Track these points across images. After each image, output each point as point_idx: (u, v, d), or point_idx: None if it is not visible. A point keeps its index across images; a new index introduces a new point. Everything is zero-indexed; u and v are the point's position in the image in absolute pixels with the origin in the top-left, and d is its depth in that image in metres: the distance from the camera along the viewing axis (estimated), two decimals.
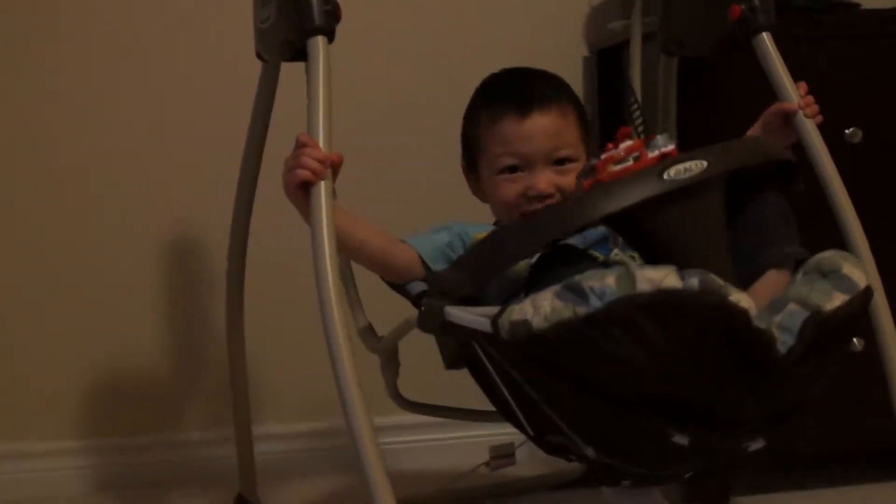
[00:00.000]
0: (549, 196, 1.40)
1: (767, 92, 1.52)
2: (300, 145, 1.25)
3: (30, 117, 2.12)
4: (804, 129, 1.49)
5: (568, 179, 1.40)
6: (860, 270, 1.19)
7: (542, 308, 1.08)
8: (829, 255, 1.21)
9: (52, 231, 2.14)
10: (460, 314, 1.18)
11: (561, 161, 1.41)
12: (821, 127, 1.52)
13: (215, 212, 1.91)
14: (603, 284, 1.05)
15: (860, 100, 1.84)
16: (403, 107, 2.16)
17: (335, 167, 1.26)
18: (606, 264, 1.26)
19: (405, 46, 2.17)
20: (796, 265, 1.24)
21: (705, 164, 1.14)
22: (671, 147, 1.19)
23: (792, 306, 1.11)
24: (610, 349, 1.05)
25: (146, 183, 2.15)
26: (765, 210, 1.27)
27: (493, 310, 1.14)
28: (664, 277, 1.04)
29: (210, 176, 2.10)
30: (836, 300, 1.13)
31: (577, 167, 1.40)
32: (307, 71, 1.30)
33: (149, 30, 2.12)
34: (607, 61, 2.15)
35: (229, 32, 1.91)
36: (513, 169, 1.41)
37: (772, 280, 1.22)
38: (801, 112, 1.48)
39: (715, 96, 1.74)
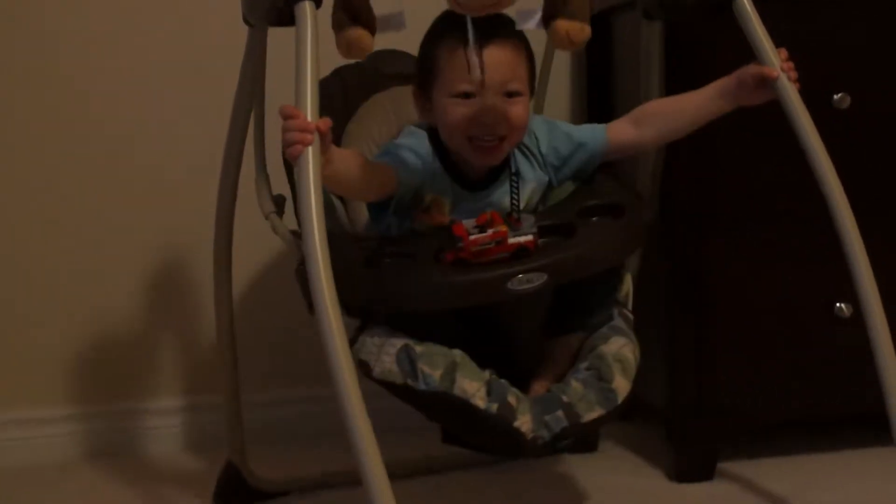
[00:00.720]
0: (496, 123, 1.47)
1: (750, 55, 1.52)
2: (284, 117, 1.25)
3: (21, 86, 2.12)
4: (786, 94, 1.49)
5: (515, 110, 1.49)
6: (627, 382, 1.45)
7: (383, 362, 1.39)
8: (610, 359, 1.46)
9: (39, 200, 2.14)
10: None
11: (510, 94, 1.48)
12: (808, 92, 1.52)
13: (204, 177, 1.91)
14: (431, 373, 1.36)
15: (849, 64, 1.84)
16: None
17: (323, 134, 1.25)
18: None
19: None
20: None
21: (545, 277, 1.38)
22: (530, 237, 1.39)
23: (559, 413, 1.38)
24: (423, 411, 1.41)
25: (133, 151, 2.15)
26: (588, 283, 1.47)
27: (353, 329, 1.42)
28: (475, 392, 1.36)
29: (198, 141, 2.10)
30: (595, 413, 1.41)
31: (523, 100, 1.50)
32: (295, 36, 1.30)
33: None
34: (595, 25, 2.13)
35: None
36: (467, 95, 1.47)
37: (574, 340, 1.52)
38: (782, 76, 1.49)
39: (702, 64, 1.74)
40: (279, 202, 1.63)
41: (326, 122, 1.26)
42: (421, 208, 1.53)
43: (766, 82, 1.50)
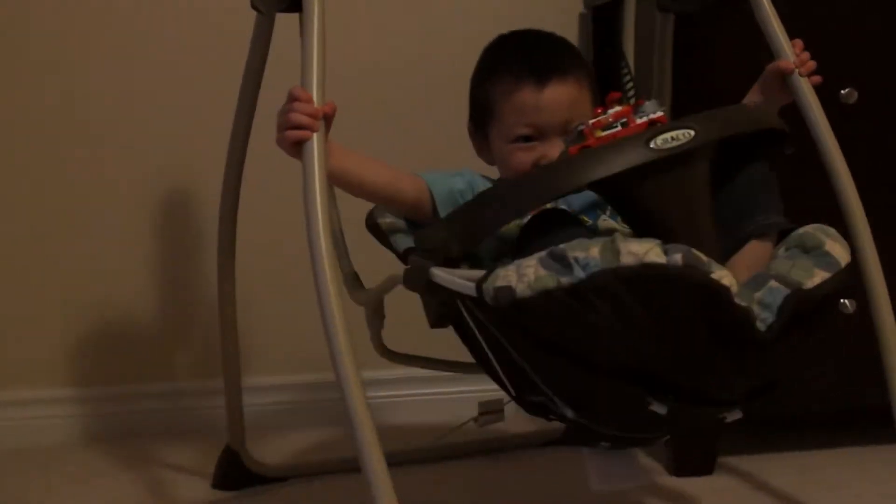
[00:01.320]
0: None
1: (764, 50, 1.51)
2: (291, 99, 1.23)
3: (26, 66, 2.11)
4: (799, 89, 1.48)
5: None
6: (842, 247, 1.20)
7: (526, 275, 1.08)
8: (811, 230, 1.21)
9: (43, 180, 2.14)
10: (445, 276, 1.18)
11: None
12: (815, 87, 1.51)
13: (208, 163, 1.90)
14: (587, 255, 1.06)
15: (856, 59, 1.82)
16: (398, 58, 2.15)
17: (328, 118, 1.24)
18: (595, 231, 1.26)
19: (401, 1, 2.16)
20: (779, 235, 1.25)
21: (692, 132, 1.14)
22: (660, 113, 1.19)
23: (773, 283, 1.11)
24: (592, 320, 1.06)
25: (140, 134, 2.14)
26: (749, 178, 1.27)
27: (478, 273, 1.13)
28: (647, 251, 1.05)
29: (203, 128, 2.09)
30: (818, 277, 1.14)
31: None
32: (302, 21, 1.29)
33: None
34: (603, 19, 2.12)
35: None
36: (527, 139, 1.39)
37: (754, 251, 1.22)
38: (796, 71, 1.47)
39: (711, 55, 1.73)
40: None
41: (332, 106, 1.24)
42: None
43: (784, 76, 1.46)
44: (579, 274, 1.05)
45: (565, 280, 1.06)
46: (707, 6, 1.62)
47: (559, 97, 1.38)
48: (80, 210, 2.15)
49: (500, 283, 1.10)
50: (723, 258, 1.18)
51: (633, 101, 1.28)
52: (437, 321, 1.27)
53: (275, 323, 2.19)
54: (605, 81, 2.14)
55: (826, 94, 1.69)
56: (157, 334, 2.19)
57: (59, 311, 2.16)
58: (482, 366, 1.31)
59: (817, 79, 1.48)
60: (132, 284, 2.17)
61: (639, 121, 1.18)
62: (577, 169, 1.13)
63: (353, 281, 1.60)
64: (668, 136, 1.13)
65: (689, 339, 1.08)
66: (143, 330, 2.19)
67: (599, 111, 1.21)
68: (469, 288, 1.14)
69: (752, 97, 1.50)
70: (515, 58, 1.41)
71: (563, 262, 1.07)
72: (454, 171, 1.45)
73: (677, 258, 1.05)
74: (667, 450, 1.86)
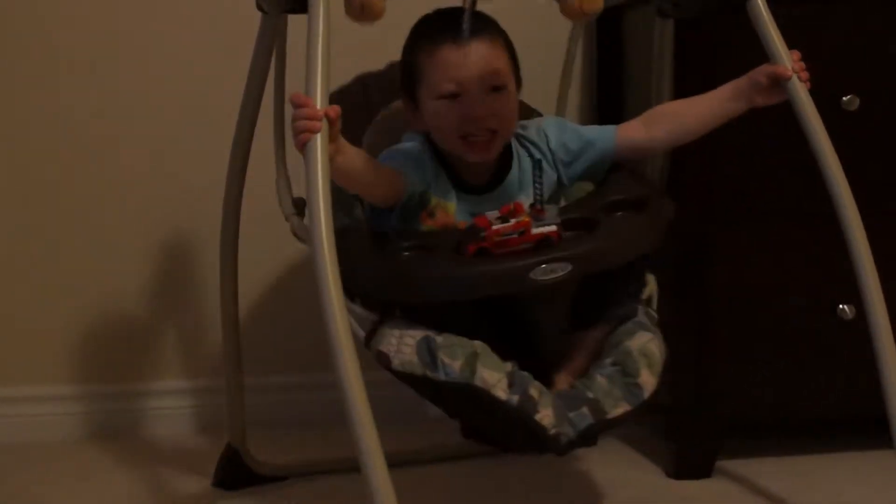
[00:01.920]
0: (485, 120, 1.48)
1: (762, 57, 1.52)
2: (294, 106, 1.25)
3: (29, 69, 2.14)
4: (797, 95, 1.49)
5: (501, 104, 1.50)
6: (654, 378, 1.42)
7: (403, 353, 1.36)
8: (635, 353, 1.41)
9: (47, 179, 2.16)
10: (353, 312, 1.42)
11: (496, 88, 1.49)
12: (817, 94, 1.52)
13: (211, 163, 1.91)
14: (451, 363, 1.33)
15: (858, 67, 1.84)
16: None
17: (331, 120, 1.25)
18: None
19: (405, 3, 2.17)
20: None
21: (569, 268, 1.35)
22: (554, 228, 1.37)
23: (584, 409, 1.35)
24: (444, 400, 1.39)
25: (144, 133, 2.17)
26: (611, 273, 1.43)
27: (372, 320, 1.41)
28: (496, 383, 1.32)
29: (206, 128, 2.12)
30: (621, 409, 1.38)
31: (509, 94, 1.51)
32: (307, 23, 1.29)
33: None
34: (605, 24, 2.14)
35: None
36: (453, 95, 1.48)
37: (596, 334, 1.47)
38: (794, 77, 1.49)
39: (712, 61, 1.75)
40: (299, 204, 1.58)
41: (336, 110, 1.26)
42: (426, 212, 1.53)
43: (779, 82, 1.49)
44: (440, 376, 1.33)
45: (430, 373, 1.34)
46: (706, 13, 1.63)
47: (478, 52, 1.48)
48: (84, 209, 2.17)
49: (382, 347, 1.38)
50: (572, 331, 1.48)
51: (539, 205, 1.41)
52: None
53: (276, 321, 2.20)
54: (608, 85, 2.18)
55: (828, 101, 1.73)
56: (158, 332, 2.21)
57: (62, 308, 2.18)
58: None
59: (808, 85, 1.51)
60: (135, 283, 2.19)
61: (535, 231, 1.36)
62: (474, 282, 1.36)
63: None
64: (548, 268, 1.34)
65: (511, 436, 1.41)
66: (144, 328, 2.20)
67: (506, 211, 1.38)
68: (361, 336, 1.42)
69: (735, 87, 1.54)
70: (437, 24, 1.52)
71: (432, 359, 1.34)
72: (400, 146, 1.57)
73: (514, 399, 1.32)
74: (667, 453, 1.87)
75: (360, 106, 1.73)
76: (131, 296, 2.19)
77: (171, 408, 2.20)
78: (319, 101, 1.25)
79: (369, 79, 1.78)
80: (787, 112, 1.50)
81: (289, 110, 1.29)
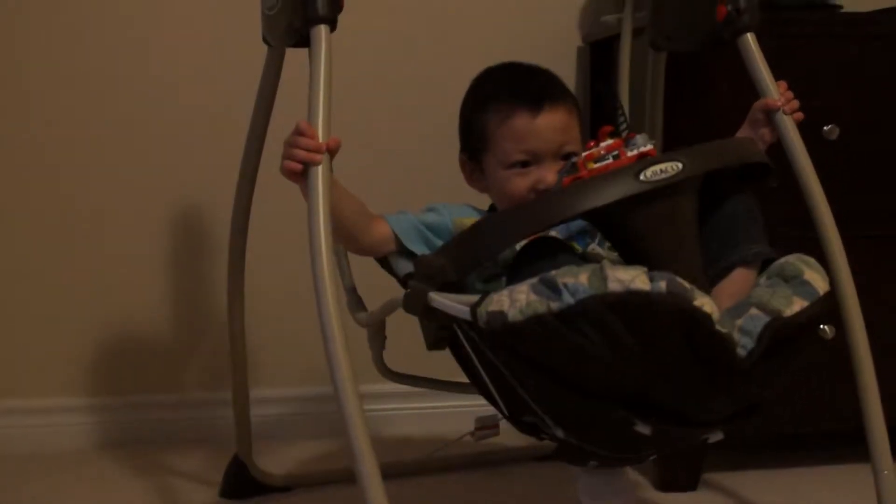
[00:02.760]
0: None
1: (750, 89, 1.58)
2: (297, 133, 1.30)
3: (42, 83, 2.21)
4: (783, 126, 1.55)
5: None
6: (821, 276, 1.27)
7: (518, 301, 1.15)
8: (792, 260, 1.29)
9: (61, 196, 2.23)
10: (442, 300, 1.25)
11: (567, 156, 1.45)
12: (800, 123, 1.58)
13: (219, 185, 1.98)
14: (576, 281, 1.12)
15: (838, 97, 1.91)
16: (401, 95, 2.25)
17: (332, 151, 1.31)
18: (584, 257, 1.32)
19: (403, 35, 2.25)
20: (763, 263, 1.32)
21: (680, 165, 1.21)
22: (650, 147, 1.26)
23: (753, 311, 1.18)
24: (580, 343, 1.12)
25: (154, 154, 2.24)
26: (734, 210, 1.33)
27: (473, 298, 1.21)
28: (633, 278, 1.11)
29: (216, 149, 2.18)
30: (796, 305, 1.20)
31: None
32: (309, 58, 1.36)
33: (158, 13, 2.22)
34: (600, 53, 2.21)
35: (236, 17, 2.00)
36: (524, 164, 1.45)
37: (739, 278, 1.29)
38: (781, 110, 1.54)
39: (702, 91, 1.81)
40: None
41: (337, 141, 1.31)
42: None
43: (770, 115, 1.54)
44: (568, 300, 1.11)
45: (555, 305, 1.12)
46: (697, 49, 1.69)
47: (552, 123, 1.44)
48: (96, 225, 2.24)
49: (493, 307, 1.17)
50: (708, 286, 1.25)
51: (625, 134, 1.32)
52: (434, 344, 1.34)
53: (281, 336, 2.26)
54: (600, 113, 2.24)
55: (810, 131, 1.79)
56: (168, 346, 2.28)
57: (77, 324, 2.25)
58: (477, 387, 1.39)
59: (799, 116, 1.56)
60: (145, 298, 2.26)
61: (629, 153, 1.25)
62: (570, 199, 1.20)
63: (355, 303, 1.67)
64: (657, 168, 1.19)
65: (672, 362, 1.14)
66: (154, 342, 2.27)
67: (592, 144, 1.28)
68: (464, 312, 1.21)
69: (743, 133, 1.57)
70: (507, 87, 1.48)
71: (553, 288, 1.13)
72: (424, 208, 1.53)
73: (661, 285, 1.11)
74: (653, 466, 1.93)
75: None
76: (142, 311, 2.26)
77: (179, 419, 2.26)
78: (322, 135, 1.31)
79: None
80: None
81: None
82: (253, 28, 1.62)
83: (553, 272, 1.15)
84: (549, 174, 1.43)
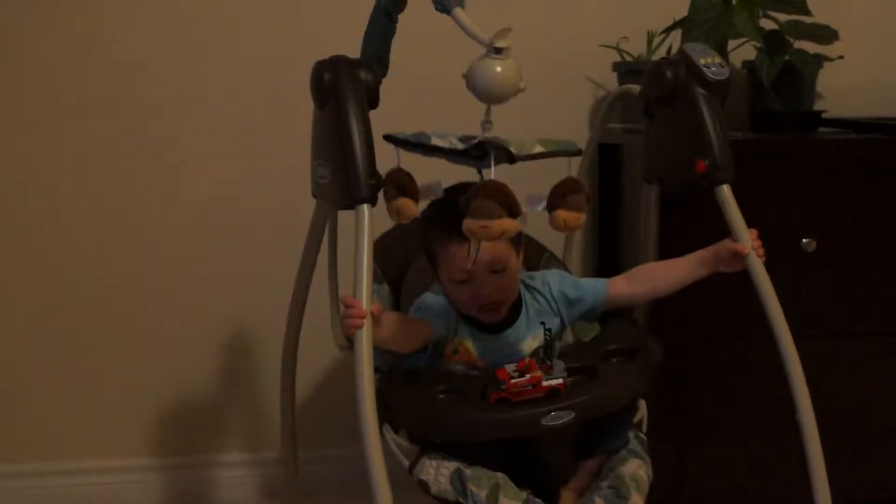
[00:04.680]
0: (492, 296, 1.80)
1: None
2: (346, 306, 1.60)
3: (100, 154, 2.44)
4: (754, 267, 1.79)
5: (503, 281, 1.81)
6: (641, 498, 1.74)
7: (440, 482, 1.68)
8: (627, 479, 1.74)
9: (124, 275, 2.49)
10: (392, 444, 1.74)
11: (496, 272, 1.79)
12: (781, 237, 1.84)
13: (273, 250, 2.30)
14: (478, 492, 1.65)
15: (814, 213, 2.16)
16: None
17: (375, 316, 1.61)
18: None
19: None
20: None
21: (572, 415, 1.66)
22: (560, 381, 1.68)
23: None
24: None
25: (214, 228, 2.49)
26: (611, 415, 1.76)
27: (413, 451, 1.71)
28: None
29: (277, 226, 2.43)
30: None
31: (509, 271, 1.82)
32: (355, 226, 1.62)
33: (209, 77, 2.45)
34: (607, 155, 2.46)
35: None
36: (462, 281, 1.80)
37: (596, 462, 1.80)
38: (752, 253, 1.79)
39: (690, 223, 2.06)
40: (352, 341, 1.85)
41: (377, 307, 1.61)
42: (450, 349, 1.85)
43: (739, 256, 1.80)
44: (469, 503, 1.65)
45: (460, 500, 1.66)
46: (681, 192, 1.96)
47: (481, 247, 1.73)
48: (161, 303, 2.51)
49: (422, 476, 1.69)
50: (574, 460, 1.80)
51: (548, 362, 1.72)
52: None
53: (328, 401, 2.53)
54: (610, 205, 2.49)
55: (789, 244, 2.06)
56: (221, 411, 2.55)
57: (140, 390, 2.51)
58: None
59: (763, 259, 1.80)
60: (203, 369, 2.53)
61: (545, 383, 1.68)
62: (495, 426, 1.67)
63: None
64: (555, 415, 1.65)
65: None
66: (212, 408, 2.54)
67: (523, 364, 1.70)
68: (404, 464, 1.71)
69: (705, 255, 1.85)
70: (445, 216, 1.75)
71: (463, 489, 1.66)
72: (427, 300, 1.90)
73: None
74: None
75: (398, 249, 2.08)
76: (200, 381, 2.53)
77: (235, 477, 2.54)
78: (365, 303, 1.59)
79: (406, 225, 1.98)
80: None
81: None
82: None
83: (467, 472, 1.67)
84: (483, 290, 1.80)
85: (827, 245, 2.16)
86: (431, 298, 1.92)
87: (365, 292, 1.60)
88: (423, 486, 1.70)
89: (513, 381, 1.68)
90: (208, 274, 2.51)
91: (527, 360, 1.73)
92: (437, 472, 1.69)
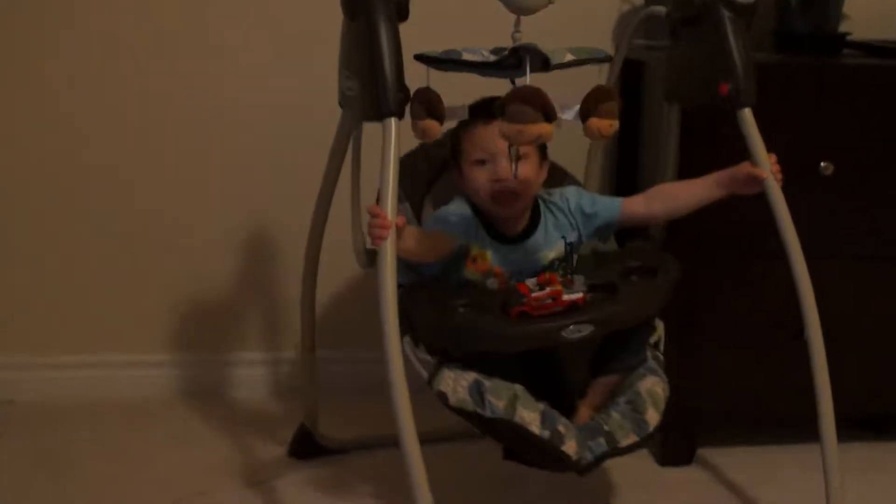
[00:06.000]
0: (507, 179, 1.83)
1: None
2: (372, 215, 1.63)
3: (129, 65, 2.46)
4: (772, 192, 1.82)
5: (521, 169, 1.83)
6: (658, 413, 1.78)
7: (458, 392, 1.70)
8: (643, 394, 1.78)
9: (147, 180, 2.51)
10: (412, 356, 1.77)
11: (517, 157, 1.81)
12: (799, 162, 1.86)
13: (302, 160, 2.33)
14: (496, 403, 1.68)
15: (833, 138, 2.17)
16: None
17: (399, 228, 1.64)
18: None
19: None
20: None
21: (591, 328, 1.70)
22: (580, 295, 1.72)
23: (601, 439, 1.72)
24: (489, 433, 1.74)
25: (237, 126, 2.49)
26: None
27: (433, 364, 1.75)
28: (532, 421, 1.68)
29: (300, 126, 2.45)
30: (630, 440, 1.75)
31: (529, 160, 1.86)
32: (382, 145, 1.64)
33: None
34: (628, 71, 2.44)
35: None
36: (482, 162, 1.85)
37: (612, 379, 1.84)
38: (770, 177, 1.82)
39: (711, 146, 2.08)
40: (371, 255, 1.79)
41: (402, 219, 1.65)
42: (469, 259, 1.88)
43: (757, 180, 1.83)
44: (488, 413, 1.69)
45: (479, 411, 1.70)
46: (702, 111, 1.97)
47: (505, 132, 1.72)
48: (184, 198, 2.52)
49: (441, 387, 1.72)
50: (591, 376, 1.84)
51: (569, 276, 1.76)
52: None
53: (348, 303, 2.57)
54: (629, 133, 2.45)
55: (808, 167, 2.09)
56: (244, 309, 2.60)
57: (162, 287, 2.55)
58: None
59: (781, 182, 1.84)
60: (225, 267, 2.56)
61: (565, 298, 1.71)
62: (517, 336, 1.71)
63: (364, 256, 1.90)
64: (574, 328, 1.69)
65: (543, 461, 1.76)
66: (233, 305, 2.59)
67: (543, 279, 1.74)
68: (424, 375, 1.76)
69: (720, 178, 1.88)
70: (474, 109, 1.80)
71: (481, 399, 1.69)
72: (448, 208, 1.93)
73: (546, 434, 1.68)
74: (653, 443, 2.24)
75: (422, 168, 2.07)
76: (221, 277, 2.56)
77: (254, 375, 2.60)
78: (390, 213, 1.62)
79: (429, 146, 2.03)
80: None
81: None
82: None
83: (486, 384, 1.70)
84: (500, 167, 1.83)
85: (844, 170, 2.17)
86: (451, 209, 1.95)
87: (390, 204, 1.64)
88: (442, 398, 1.72)
89: (533, 294, 1.71)
90: (235, 169, 2.52)
91: (547, 275, 1.76)
92: (456, 383, 1.71)
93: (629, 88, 2.46)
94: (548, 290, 1.71)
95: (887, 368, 2.32)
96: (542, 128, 1.58)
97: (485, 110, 1.78)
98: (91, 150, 2.48)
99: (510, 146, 1.76)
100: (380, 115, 1.66)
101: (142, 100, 2.47)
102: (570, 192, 1.99)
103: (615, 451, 1.73)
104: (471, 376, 1.71)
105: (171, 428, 2.41)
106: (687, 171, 2.04)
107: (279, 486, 2.15)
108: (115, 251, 2.53)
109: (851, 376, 2.13)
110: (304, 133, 2.40)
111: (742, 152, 1.85)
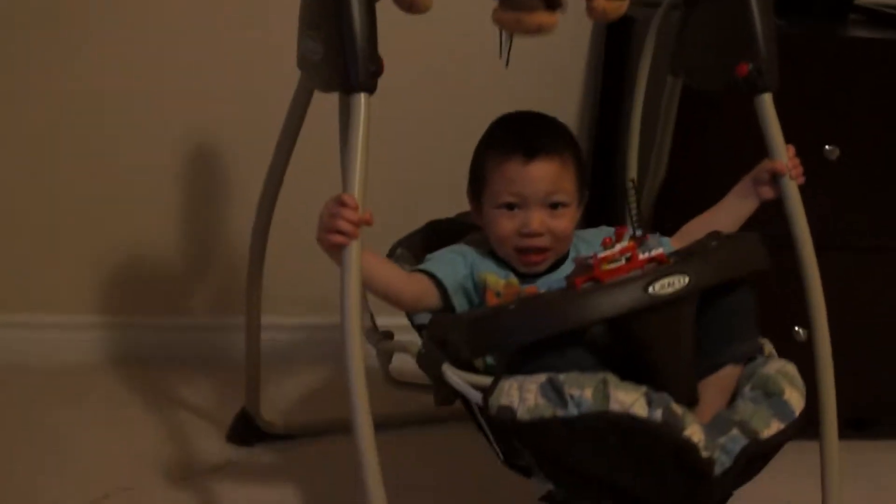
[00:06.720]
0: (539, 235, 1.55)
1: (752, 141, 1.63)
2: (340, 203, 1.36)
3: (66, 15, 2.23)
4: (787, 189, 1.61)
5: (558, 222, 1.56)
6: (799, 392, 1.38)
7: (527, 400, 1.26)
8: (773, 374, 1.39)
9: (79, 122, 2.28)
10: (457, 379, 1.35)
11: (554, 205, 1.55)
12: (803, 145, 1.65)
13: (250, 108, 2.16)
14: (581, 394, 1.24)
15: (839, 121, 1.98)
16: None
17: (368, 225, 1.37)
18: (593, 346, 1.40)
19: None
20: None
21: (687, 279, 1.31)
22: (661, 250, 1.35)
23: (735, 431, 1.30)
24: (579, 447, 1.26)
25: (176, 71, 2.28)
26: (730, 307, 1.42)
27: (486, 381, 1.31)
28: (633, 402, 1.23)
29: (233, 84, 2.26)
30: (774, 427, 1.32)
31: (568, 211, 1.57)
32: (347, 125, 1.40)
33: None
34: (617, 24, 2.22)
35: None
36: (511, 206, 1.56)
37: (726, 375, 1.42)
38: (787, 174, 1.61)
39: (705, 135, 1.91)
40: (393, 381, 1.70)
41: (371, 214, 1.37)
42: (491, 292, 1.56)
43: (776, 178, 1.61)
44: (573, 411, 1.24)
45: (561, 413, 1.24)
46: (712, 91, 1.73)
47: (542, 172, 1.53)
48: (113, 148, 2.30)
49: (503, 401, 1.27)
50: (696, 385, 1.39)
51: (639, 233, 1.39)
52: (442, 402, 1.44)
53: (296, 268, 2.35)
54: (614, 87, 2.28)
55: (812, 151, 1.89)
56: (182, 271, 2.39)
57: (94, 244, 2.35)
58: (479, 429, 1.49)
59: (801, 180, 1.63)
60: (160, 223, 2.36)
61: (641, 256, 1.34)
62: (585, 307, 1.29)
63: (369, 332, 1.70)
64: (665, 281, 1.29)
65: (657, 473, 1.28)
66: (168, 266, 2.38)
67: (609, 241, 1.35)
68: (477, 397, 1.32)
69: (743, 185, 1.66)
70: (509, 134, 1.57)
71: (560, 396, 1.25)
72: (453, 250, 1.62)
73: (657, 414, 1.23)
74: None
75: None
76: (157, 237, 2.36)
77: (190, 342, 2.41)
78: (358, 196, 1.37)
79: (438, 224, 1.84)
80: None
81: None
82: None
83: (561, 377, 1.26)
84: (533, 219, 1.54)
85: (850, 154, 1.99)
86: (441, 251, 1.65)
87: (357, 193, 1.38)
88: (507, 414, 1.27)
89: (601, 254, 1.33)
90: (180, 120, 2.31)
91: (613, 232, 1.38)
92: (522, 389, 1.28)
93: (614, 46, 2.24)
94: (618, 247, 1.34)
95: (873, 367, 2.18)
96: (544, 17, 1.39)
97: (525, 140, 1.54)
98: (16, 105, 2.27)
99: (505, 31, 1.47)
100: (348, 89, 1.41)
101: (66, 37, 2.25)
102: (607, 232, 1.65)
103: (757, 445, 1.30)
104: (539, 377, 1.29)
105: (100, 402, 2.22)
106: (683, 150, 1.86)
107: (212, 479, 1.96)
108: (45, 197, 2.33)
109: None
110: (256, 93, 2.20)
111: (736, 144, 1.68)
